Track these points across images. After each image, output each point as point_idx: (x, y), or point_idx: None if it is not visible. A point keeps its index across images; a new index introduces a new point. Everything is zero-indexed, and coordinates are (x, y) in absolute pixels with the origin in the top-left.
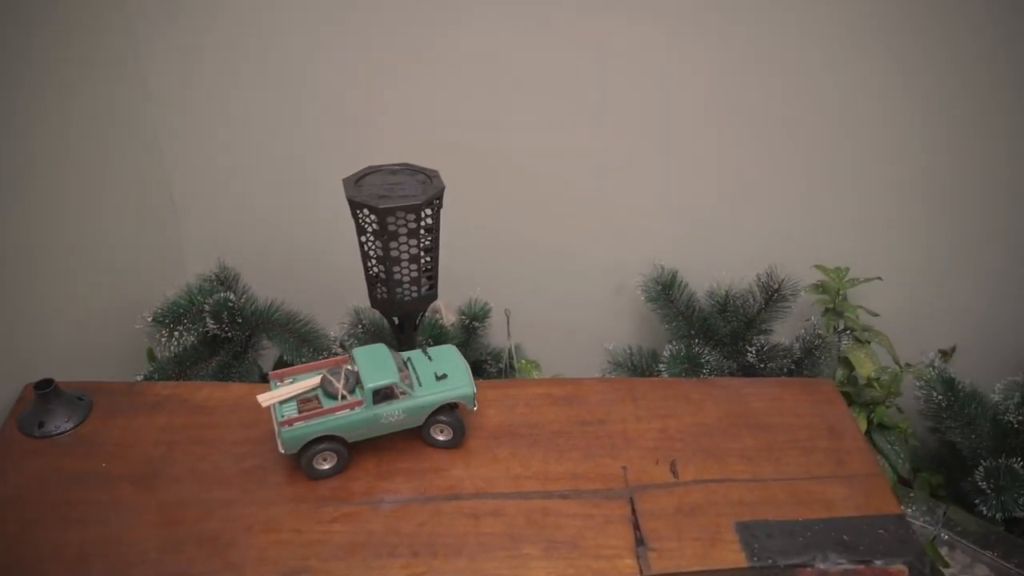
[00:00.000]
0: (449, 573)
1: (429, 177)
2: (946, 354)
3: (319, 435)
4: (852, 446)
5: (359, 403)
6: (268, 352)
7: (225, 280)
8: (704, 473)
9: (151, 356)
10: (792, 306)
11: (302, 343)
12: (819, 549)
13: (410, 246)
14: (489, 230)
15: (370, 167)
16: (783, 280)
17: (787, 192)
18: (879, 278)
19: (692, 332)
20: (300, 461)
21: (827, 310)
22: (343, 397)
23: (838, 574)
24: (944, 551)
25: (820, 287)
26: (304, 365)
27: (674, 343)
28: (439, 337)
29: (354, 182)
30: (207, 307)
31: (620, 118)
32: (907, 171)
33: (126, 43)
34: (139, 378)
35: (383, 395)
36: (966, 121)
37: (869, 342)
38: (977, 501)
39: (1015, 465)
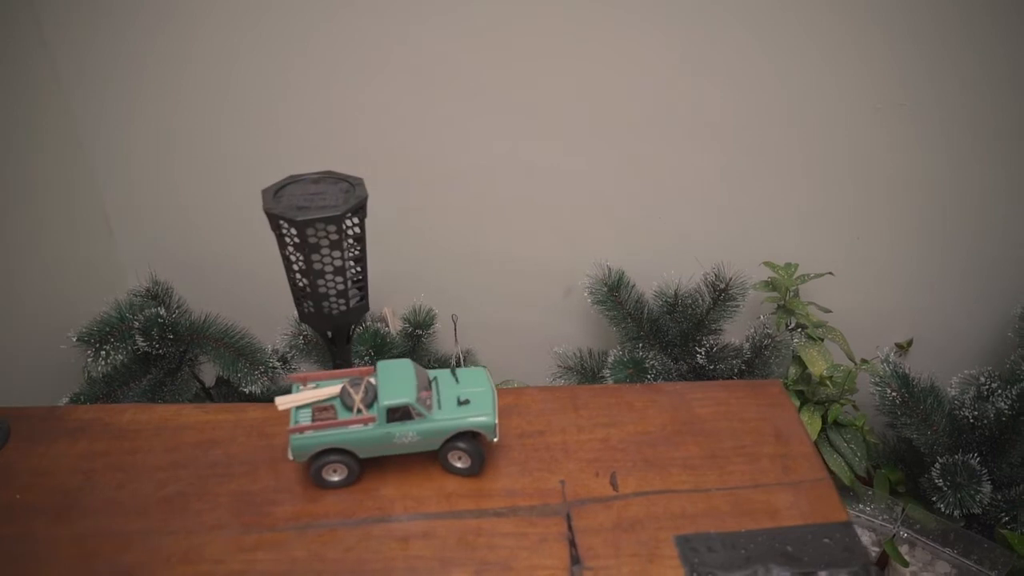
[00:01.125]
0: None
1: (353, 185)
2: (903, 348)
3: (329, 447)
4: (799, 451)
5: (372, 419)
6: (210, 367)
7: (157, 295)
8: (645, 485)
9: (88, 377)
10: (741, 305)
11: (238, 357)
12: (761, 562)
13: (334, 258)
14: (433, 235)
15: (291, 176)
16: (731, 278)
17: (735, 190)
18: (830, 273)
19: (641, 334)
20: (309, 470)
21: (778, 308)
22: (359, 411)
23: None
24: (904, 549)
25: (770, 284)
26: (329, 372)
27: (618, 348)
28: (382, 347)
29: (273, 193)
30: (136, 323)
31: (563, 119)
32: (856, 165)
33: (43, 55)
34: (65, 400)
35: (398, 414)
36: (916, 114)
37: (822, 339)
38: (935, 499)
39: (972, 461)
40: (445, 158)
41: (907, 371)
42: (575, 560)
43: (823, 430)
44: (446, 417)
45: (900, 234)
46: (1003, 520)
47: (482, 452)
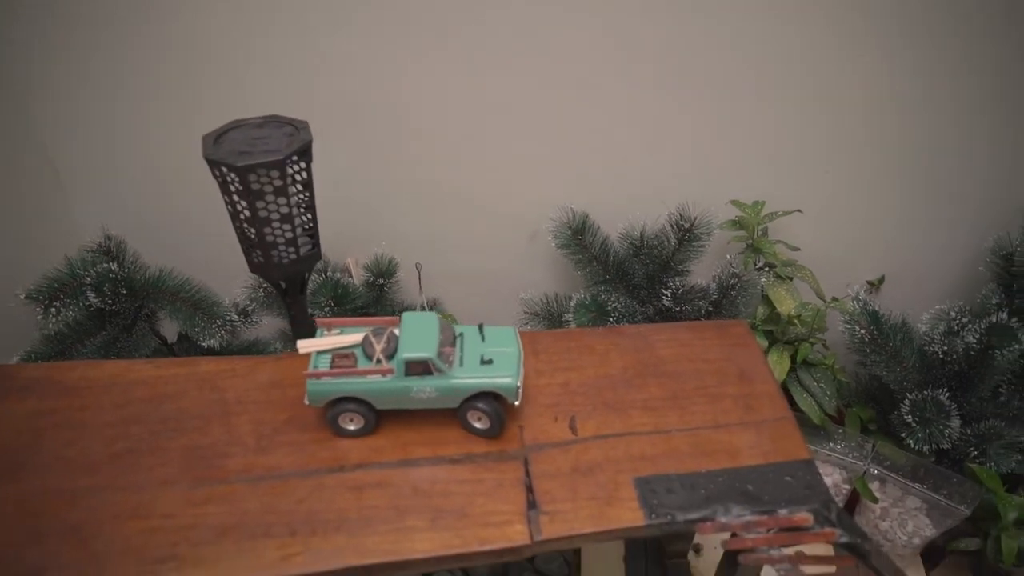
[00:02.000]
0: (327, 551)
1: (297, 129)
2: (874, 285)
3: (345, 395)
4: (762, 390)
5: (391, 371)
6: (173, 323)
7: (110, 250)
8: (605, 428)
9: (41, 335)
10: (707, 245)
11: (195, 311)
12: (721, 502)
13: (279, 205)
14: (394, 183)
15: (234, 121)
16: (695, 218)
17: (701, 129)
18: (799, 210)
19: (607, 277)
20: (327, 416)
21: (746, 247)
22: (378, 361)
23: (740, 526)
24: (875, 485)
25: (737, 223)
26: (355, 319)
27: (581, 292)
28: (343, 297)
29: (214, 139)
30: (88, 279)
31: (525, 60)
32: (823, 100)
33: None
34: (16, 359)
35: (417, 368)
36: (882, 48)
37: (791, 278)
38: (904, 435)
39: (941, 396)
40: (404, 102)
41: (877, 308)
42: (532, 504)
43: (793, 369)
44: (466, 375)
45: (869, 169)
46: (972, 454)
47: (502, 414)
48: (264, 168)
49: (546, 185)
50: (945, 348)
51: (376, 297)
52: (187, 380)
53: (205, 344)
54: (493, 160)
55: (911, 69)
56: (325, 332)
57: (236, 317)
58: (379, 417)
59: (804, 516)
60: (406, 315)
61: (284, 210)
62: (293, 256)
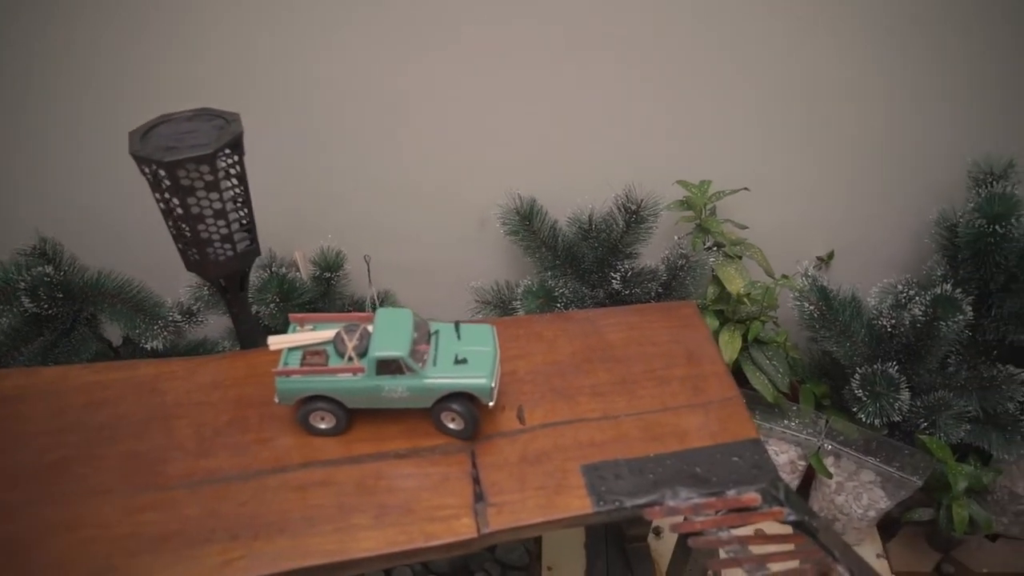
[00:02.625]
0: (270, 554)
1: (228, 121)
2: (823, 261)
3: (315, 393)
4: (710, 371)
5: (361, 370)
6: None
7: (45, 253)
8: (553, 416)
9: None
10: (653, 227)
11: (136, 312)
12: (669, 485)
13: (212, 200)
14: (336, 172)
15: (162, 116)
16: (641, 200)
17: (647, 108)
18: (746, 188)
19: (557, 262)
20: (297, 415)
21: (695, 227)
22: (349, 359)
23: (688, 509)
24: (830, 461)
25: (685, 204)
26: (330, 315)
27: (528, 279)
28: (289, 292)
29: (141, 135)
30: (22, 284)
31: (466, 41)
32: (764, 75)
33: None
34: None
35: (388, 367)
36: (826, 28)
37: (740, 257)
38: (856, 409)
39: (890, 370)
40: (344, 91)
41: (827, 284)
42: (479, 497)
43: (745, 348)
44: (439, 375)
45: (816, 146)
46: (922, 426)
47: (476, 416)
48: (193, 163)
49: (493, 171)
50: (893, 321)
51: (324, 291)
52: (125, 384)
53: (148, 346)
54: (438, 148)
55: (855, 50)
56: (298, 328)
57: (179, 317)
58: (351, 416)
59: (752, 496)
60: (380, 311)
61: (217, 206)
62: (230, 253)
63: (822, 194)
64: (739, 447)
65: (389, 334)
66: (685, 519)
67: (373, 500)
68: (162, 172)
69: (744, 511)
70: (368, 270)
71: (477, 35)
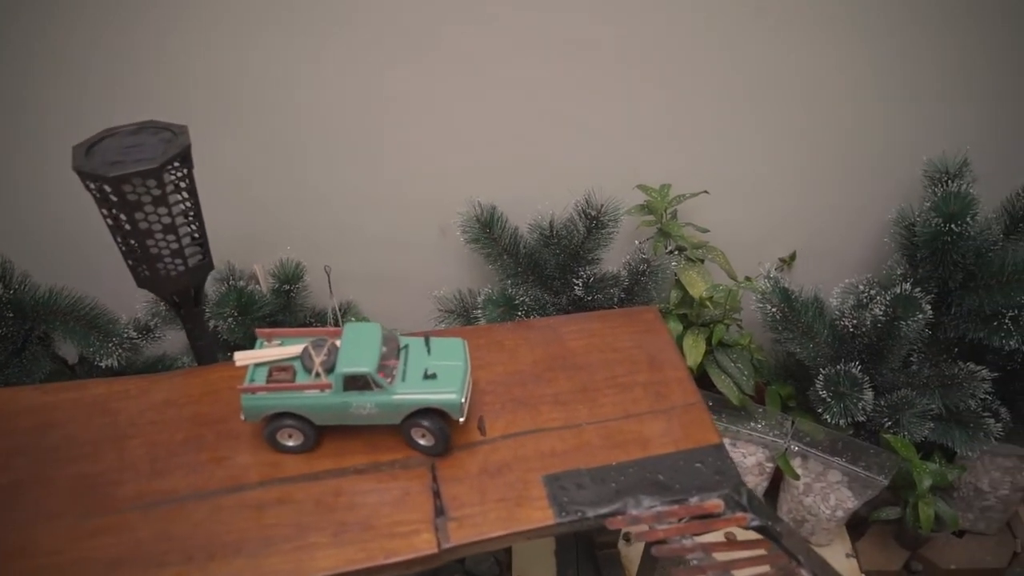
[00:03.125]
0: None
1: (175, 134)
2: (785, 262)
3: (282, 411)
4: (672, 376)
5: (328, 386)
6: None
7: None
8: (514, 426)
9: None
10: (614, 232)
11: (90, 330)
12: (631, 493)
13: (160, 215)
14: (294, 183)
15: (107, 130)
16: (602, 206)
17: (605, 113)
18: (705, 191)
19: (519, 270)
20: (264, 432)
21: (657, 231)
22: (317, 375)
23: (651, 518)
24: (797, 462)
25: (646, 208)
26: (298, 329)
27: (489, 287)
28: (248, 306)
29: (85, 150)
30: None
31: (419, 51)
32: (721, 76)
33: None
34: None
35: (356, 383)
36: (783, 28)
37: (703, 260)
38: (821, 410)
39: (853, 370)
40: (301, 101)
41: (790, 285)
42: (439, 511)
43: (710, 352)
44: (408, 391)
45: (773, 145)
46: (886, 425)
47: (447, 432)
48: (139, 178)
49: (453, 178)
50: (855, 322)
51: (285, 304)
52: (76, 405)
53: (103, 364)
54: (396, 156)
55: (813, 50)
56: (265, 343)
57: (135, 334)
58: (320, 433)
59: (715, 503)
60: (348, 326)
61: (166, 220)
62: (181, 268)
63: (783, 195)
64: (702, 453)
65: (356, 349)
66: (649, 527)
67: (332, 518)
68: (108, 188)
69: (707, 518)
70: (329, 281)
71: (433, 43)
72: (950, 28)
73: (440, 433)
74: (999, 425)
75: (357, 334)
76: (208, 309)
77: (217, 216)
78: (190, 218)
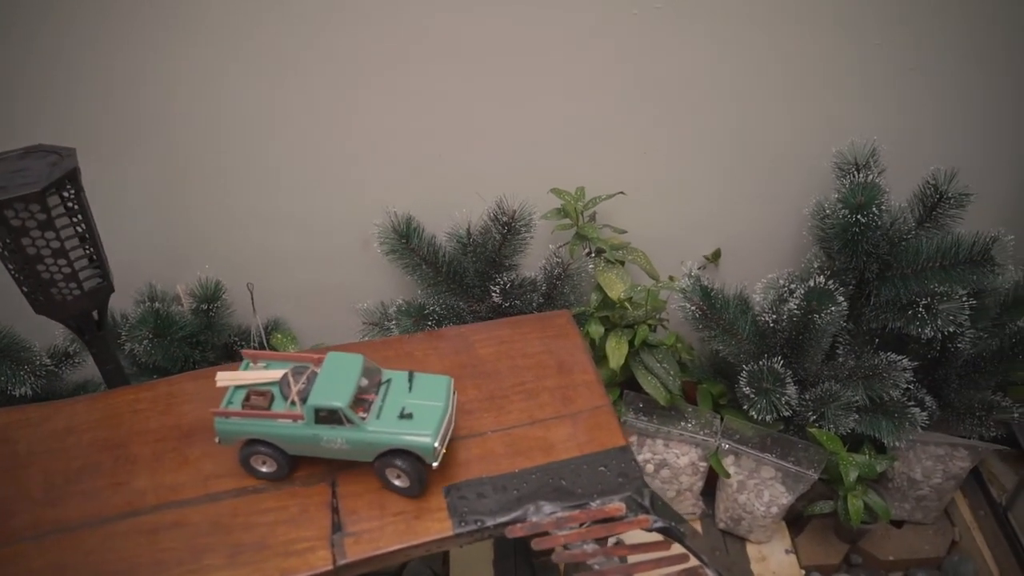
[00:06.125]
0: None
1: (62, 156)
2: (710, 260)
3: (254, 437)
4: (581, 380)
5: (300, 417)
6: None
7: None
8: None
9: None
10: (529, 237)
11: (1, 358)
12: (532, 500)
13: (48, 239)
14: (215, 201)
15: None
16: (514, 211)
17: (516, 118)
18: (622, 192)
19: (440, 279)
20: (239, 456)
21: (575, 235)
22: (292, 403)
23: (551, 524)
24: (729, 460)
25: (562, 212)
26: (286, 354)
27: (401, 298)
28: (166, 327)
29: None
30: None
31: (327, 62)
32: (630, 76)
33: None
34: None
35: (327, 417)
36: (695, 30)
37: (622, 262)
38: (746, 406)
39: (775, 365)
40: (212, 117)
41: (711, 283)
42: (336, 527)
43: (636, 353)
44: (380, 430)
45: (689, 144)
46: (812, 419)
47: (423, 473)
48: (21, 202)
49: (370, 189)
50: (775, 316)
51: (206, 323)
52: None
53: (17, 393)
54: (312, 169)
55: (723, 49)
56: (251, 364)
57: (48, 362)
58: (293, 461)
59: (617, 506)
60: (331, 354)
61: (55, 244)
62: (77, 292)
63: (704, 193)
64: (606, 456)
65: (332, 381)
66: (549, 534)
67: (228, 539)
68: None
69: (609, 521)
70: (252, 299)
71: (341, 56)
72: (854, 22)
73: (416, 475)
74: (925, 414)
75: (337, 365)
76: (124, 332)
77: (137, 237)
78: (84, 241)
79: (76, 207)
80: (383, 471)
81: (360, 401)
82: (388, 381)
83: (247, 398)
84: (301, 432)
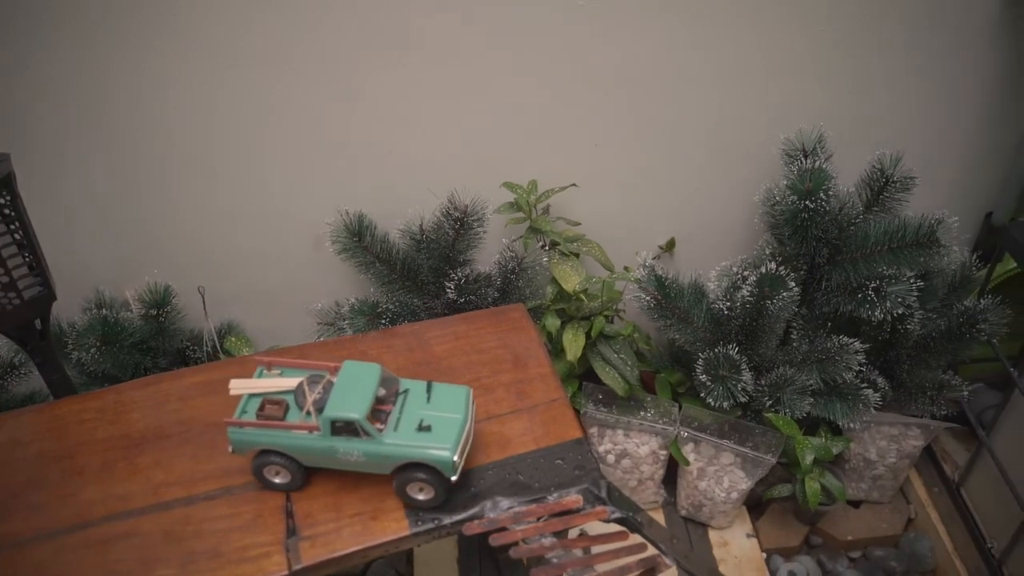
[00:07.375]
0: None
1: None
2: (665, 249)
3: (268, 448)
4: (536, 373)
5: (316, 428)
6: None
7: None
8: None
9: None
10: (482, 232)
11: None
12: (489, 496)
13: None
14: (159, 206)
15: None
16: (466, 206)
17: (466, 112)
18: (574, 185)
19: (395, 277)
20: (252, 466)
21: (528, 228)
22: (308, 414)
23: (508, 519)
24: (689, 447)
25: (515, 206)
26: (299, 361)
27: (353, 297)
28: (115, 334)
29: None
30: None
31: (274, 62)
32: (577, 68)
33: None
34: None
35: (344, 429)
36: (642, 20)
37: (577, 254)
38: (703, 394)
39: (730, 352)
40: (157, 117)
41: (666, 272)
42: (291, 532)
43: (594, 345)
44: (398, 443)
45: (640, 135)
46: (768, 404)
47: (447, 485)
48: None
49: (322, 189)
50: (729, 304)
51: (156, 329)
52: None
53: None
54: (259, 169)
55: (673, 41)
56: (265, 372)
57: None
58: (309, 472)
59: (574, 499)
60: (347, 364)
61: None
62: (17, 302)
63: (656, 184)
64: (562, 449)
65: (349, 392)
66: (506, 529)
67: (180, 548)
68: None
69: (567, 514)
70: (204, 302)
71: (288, 54)
72: (800, 9)
73: (440, 487)
74: (878, 395)
75: (354, 374)
76: (71, 340)
77: (82, 242)
78: (21, 249)
79: (12, 214)
80: (403, 486)
81: (377, 412)
82: (406, 391)
83: (261, 407)
84: (317, 444)
